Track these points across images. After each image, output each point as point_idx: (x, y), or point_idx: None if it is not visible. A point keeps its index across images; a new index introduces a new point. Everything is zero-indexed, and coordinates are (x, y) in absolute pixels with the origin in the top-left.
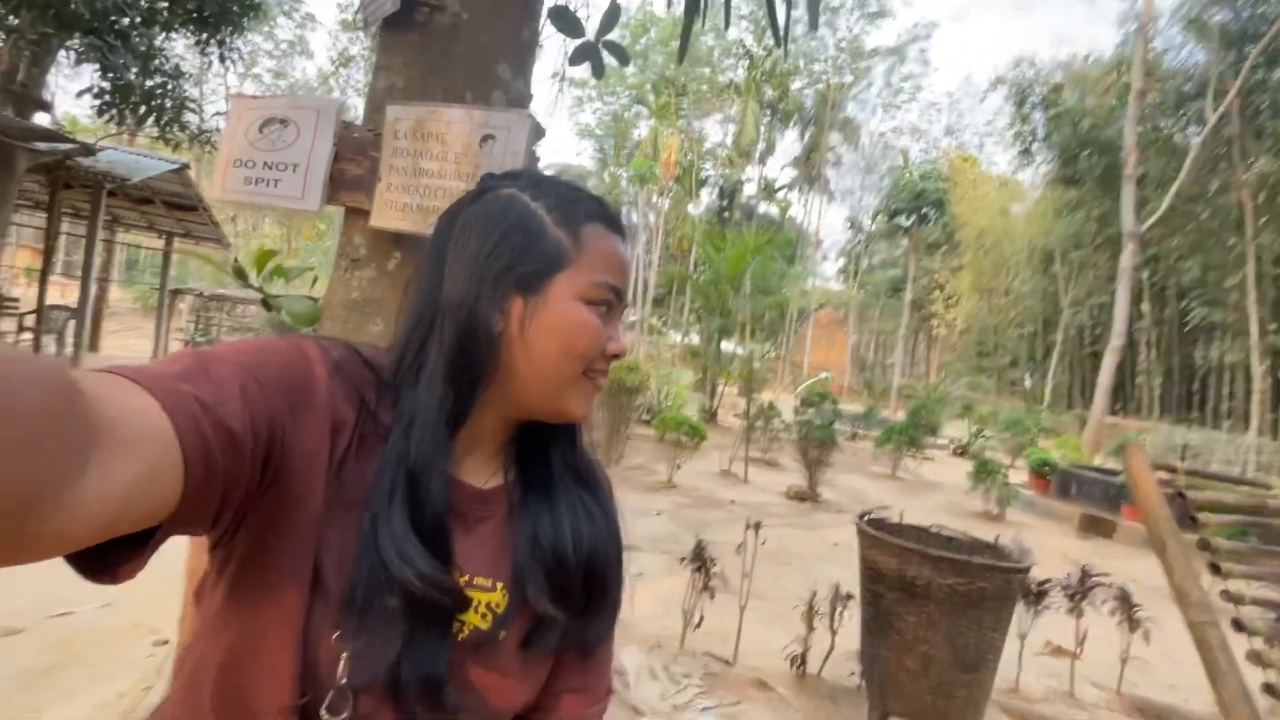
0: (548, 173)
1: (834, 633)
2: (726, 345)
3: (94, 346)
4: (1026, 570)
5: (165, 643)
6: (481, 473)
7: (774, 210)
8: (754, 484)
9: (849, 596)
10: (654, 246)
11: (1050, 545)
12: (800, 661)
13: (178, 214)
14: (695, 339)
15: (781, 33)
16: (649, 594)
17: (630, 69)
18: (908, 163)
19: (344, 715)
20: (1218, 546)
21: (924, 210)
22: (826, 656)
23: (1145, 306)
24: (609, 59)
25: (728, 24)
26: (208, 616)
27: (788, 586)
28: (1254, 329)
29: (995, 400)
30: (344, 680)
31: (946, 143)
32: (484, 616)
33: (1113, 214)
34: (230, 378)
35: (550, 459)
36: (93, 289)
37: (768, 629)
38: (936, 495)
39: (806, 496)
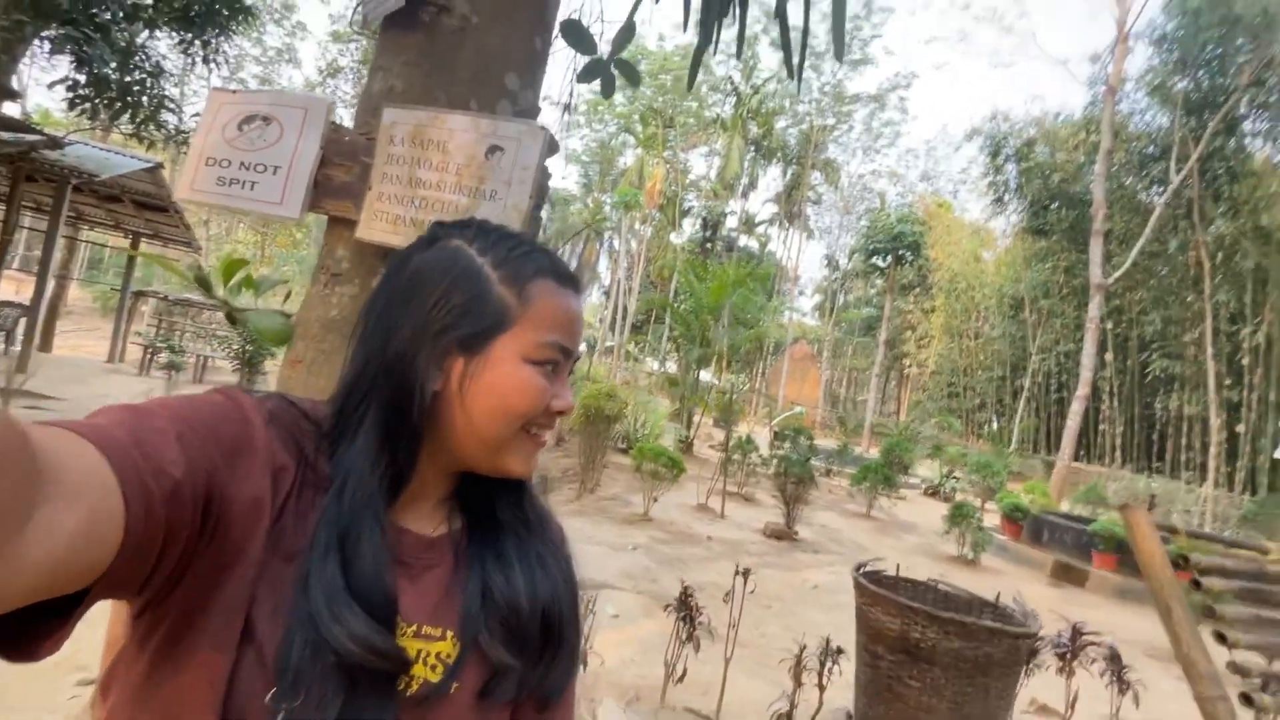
0: (497, 224)
1: (822, 689)
2: (704, 375)
3: (45, 346)
4: (1035, 636)
5: (91, 682)
6: (427, 521)
7: (754, 244)
8: (731, 519)
9: (839, 651)
10: (635, 273)
11: (1025, 593)
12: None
13: (147, 214)
14: (673, 367)
15: (795, 64)
16: (626, 638)
17: (618, 98)
18: (885, 205)
19: None
20: (1223, 615)
21: (900, 252)
22: (814, 715)
23: (1109, 356)
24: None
25: (740, 53)
26: (123, 697)
27: (769, 632)
28: (1211, 382)
29: (964, 441)
30: None
31: (922, 188)
32: (434, 668)
33: (1080, 265)
34: (166, 427)
35: (497, 507)
36: (50, 286)
37: (750, 680)
38: (911, 536)
39: (784, 535)
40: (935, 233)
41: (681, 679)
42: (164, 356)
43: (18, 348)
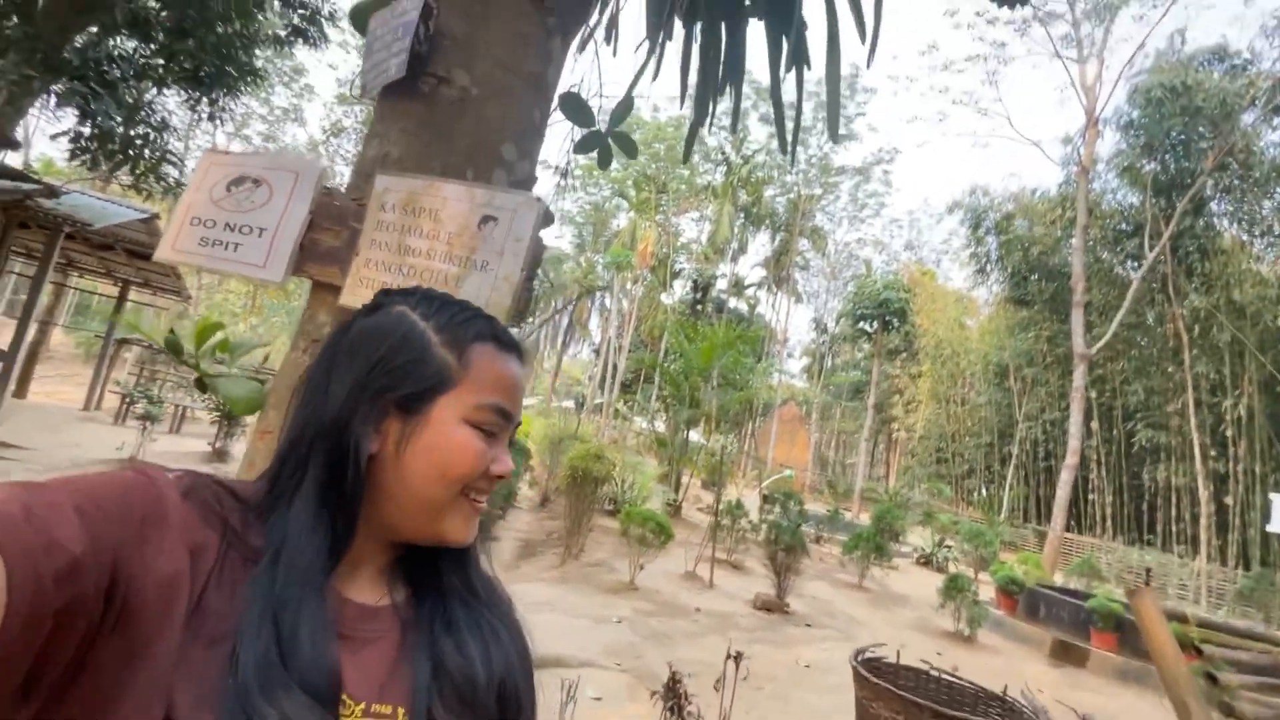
0: (441, 292)
1: None
2: (693, 435)
3: (20, 393)
4: None
5: None
6: (369, 590)
7: (743, 306)
8: (720, 589)
9: None
10: (625, 332)
11: (1025, 673)
12: None
13: (139, 263)
14: (661, 426)
15: (790, 140)
16: None
17: (614, 165)
18: (871, 272)
19: None
20: (1243, 714)
21: (887, 318)
22: None
23: (1095, 425)
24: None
25: (735, 125)
26: None
27: (763, 717)
28: (1196, 454)
29: (954, 508)
30: None
31: (907, 256)
32: None
33: (1062, 335)
34: (63, 501)
35: (442, 575)
36: (31, 331)
37: None
38: (906, 610)
39: (775, 607)
40: (920, 300)
41: None
42: (140, 406)
43: None
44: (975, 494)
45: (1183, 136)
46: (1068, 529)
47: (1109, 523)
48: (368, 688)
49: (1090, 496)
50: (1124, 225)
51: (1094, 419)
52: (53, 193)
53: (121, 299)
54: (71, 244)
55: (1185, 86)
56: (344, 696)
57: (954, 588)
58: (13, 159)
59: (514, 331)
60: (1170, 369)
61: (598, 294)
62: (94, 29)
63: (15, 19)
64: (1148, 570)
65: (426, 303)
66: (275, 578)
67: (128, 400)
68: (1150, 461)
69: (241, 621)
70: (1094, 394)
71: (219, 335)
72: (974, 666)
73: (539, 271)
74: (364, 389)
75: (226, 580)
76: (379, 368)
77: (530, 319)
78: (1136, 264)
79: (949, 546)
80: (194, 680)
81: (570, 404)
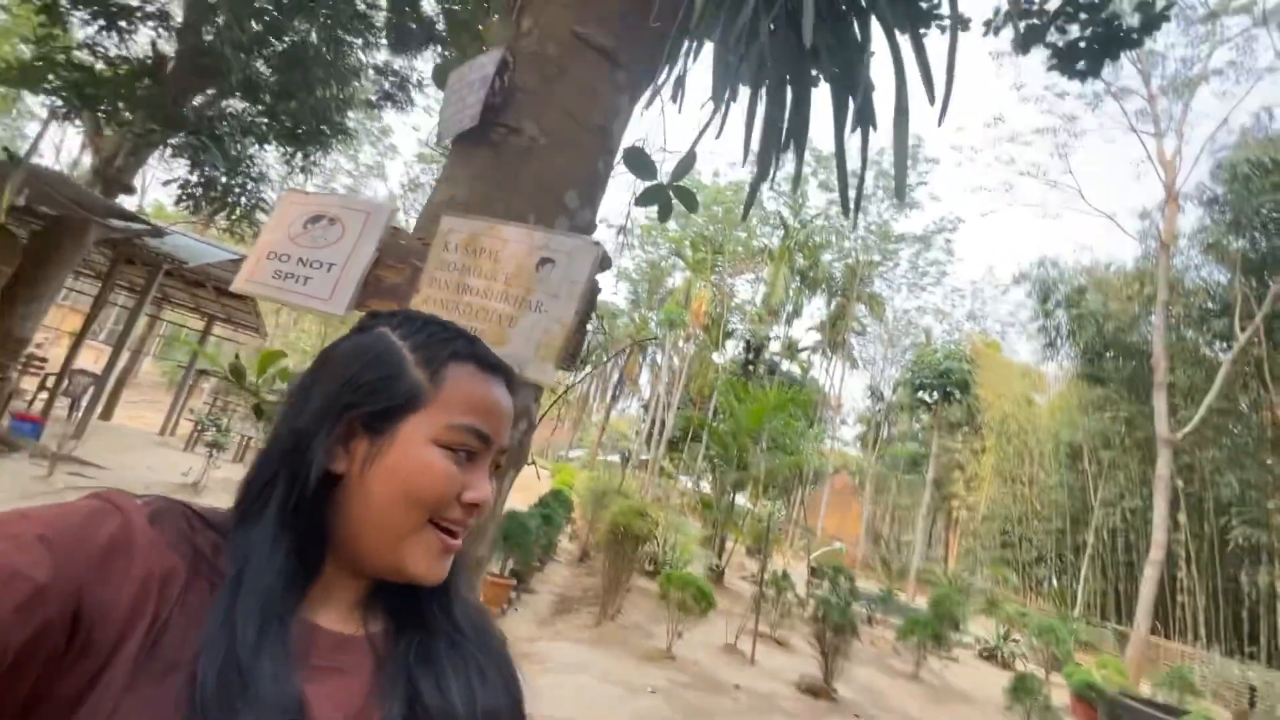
0: (427, 314)
1: None
2: (739, 499)
3: (106, 415)
4: None
5: None
6: (343, 621)
7: (796, 369)
8: (762, 666)
9: None
10: (675, 389)
11: None
12: None
13: (224, 300)
14: (707, 487)
15: (851, 204)
16: None
17: (671, 223)
18: (930, 340)
19: None
20: None
21: (948, 389)
22: None
23: (1182, 518)
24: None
25: (796, 186)
26: None
27: None
28: None
29: (1021, 598)
30: None
31: (969, 327)
32: None
33: (1141, 417)
34: (24, 531)
35: (423, 609)
36: (123, 359)
37: None
38: (966, 708)
39: (821, 692)
40: (984, 372)
41: None
42: (209, 435)
43: (80, 414)
44: (1045, 584)
45: (1275, 214)
46: (1153, 632)
47: (1201, 629)
48: (341, 715)
49: (1179, 598)
50: (1210, 304)
51: (1181, 511)
52: (158, 233)
53: (206, 333)
54: (168, 280)
55: (1275, 163)
56: None
57: (1023, 689)
58: (127, 202)
59: (559, 374)
60: (1269, 460)
61: (650, 350)
62: (211, 90)
63: (147, 80)
64: (1252, 689)
65: (408, 323)
66: (236, 598)
67: (199, 428)
68: (1249, 562)
69: (201, 649)
70: (1180, 483)
71: (280, 363)
72: None
73: (594, 317)
74: (331, 406)
75: (192, 607)
76: (348, 385)
77: (585, 365)
78: (1226, 345)
79: (1016, 640)
80: (144, 710)
81: (616, 458)
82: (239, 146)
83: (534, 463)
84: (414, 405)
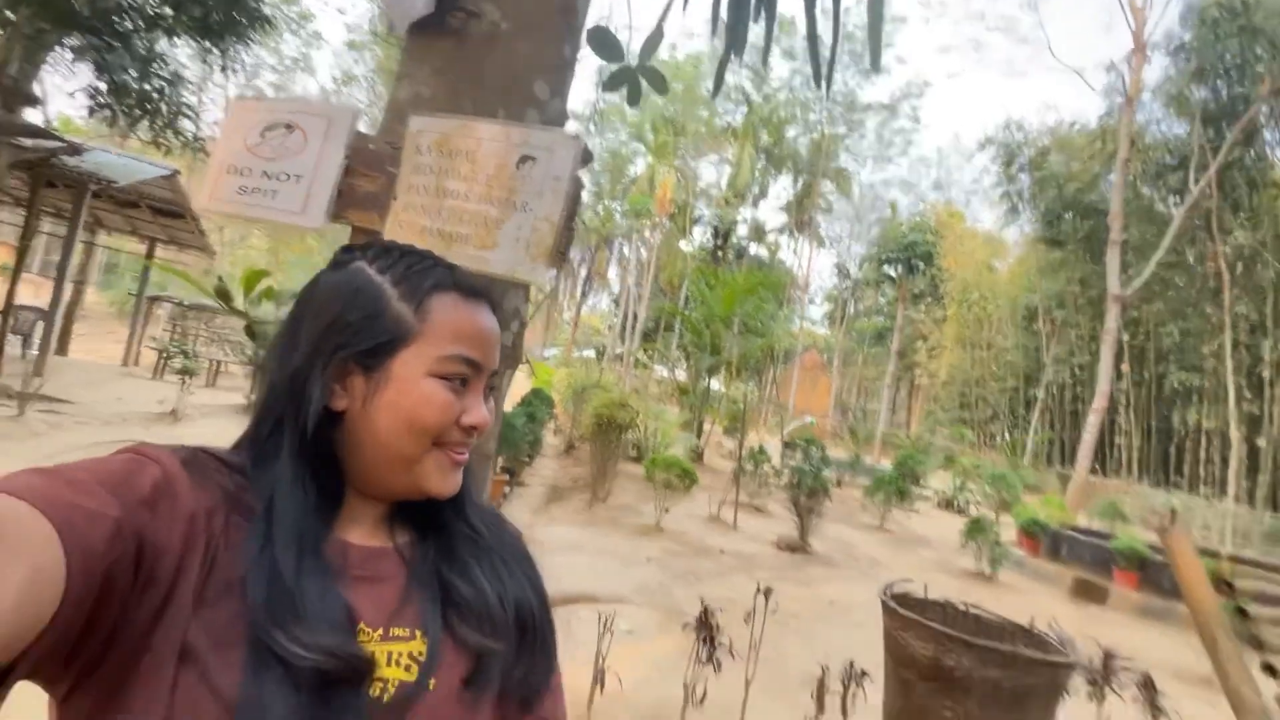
0: (403, 244)
1: (845, 715)
2: (714, 384)
3: (62, 350)
4: (1074, 665)
5: None
6: (372, 537)
7: (764, 252)
8: (743, 531)
9: (864, 675)
10: (645, 281)
11: (1044, 610)
12: None
13: (163, 220)
14: (683, 375)
15: (823, 75)
16: (641, 656)
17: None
18: (896, 214)
19: None
20: (1272, 644)
21: (912, 261)
22: None
23: (1125, 368)
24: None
25: (766, 59)
26: None
27: (788, 651)
28: (1231, 395)
29: (977, 453)
30: None
31: (934, 197)
32: (407, 668)
33: (1095, 276)
34: (87, 479)
35: (442, 517)
36: (67, 291)
37: (771, 702)
38: (927, 551)
39: (797, 548)
40: (948, 242)
41: (702, 701)
42: (178, 361)
43: (35, 351)
44: (999, 438)
45: (1238, 60)
46: (1093, 472)
47: (1135, 466)
48: (381, 617)
49: (1117, 440)
50: (1168, 158)
51: (1124, 362)
52: (76, 150)
53: (149, 256)
54: (97, 202)
55: (1245, 5)
56: (360, 625)
57: (976, 530)
58: (32, 117)
59: (548, 273)
60: (1208, 310)
61: (616, 242)
62: None
63: None
64: (1173, 510)
65: (385, 256)
66: (270, 525)
67: (165, 356)
68: (1181, 404)
69: (246, 573)
70: (1126, 336)
71: (265, 282)
72: (996, 604)
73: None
74: (322, 348)
75: (234, 539)
76: (334, 326)
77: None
78: (1179, 199)
79: (970, 490)
80: (212, 631)
81: (591, 353)
82: (146, 44)
83: (528, 360)
84: (403, 340)
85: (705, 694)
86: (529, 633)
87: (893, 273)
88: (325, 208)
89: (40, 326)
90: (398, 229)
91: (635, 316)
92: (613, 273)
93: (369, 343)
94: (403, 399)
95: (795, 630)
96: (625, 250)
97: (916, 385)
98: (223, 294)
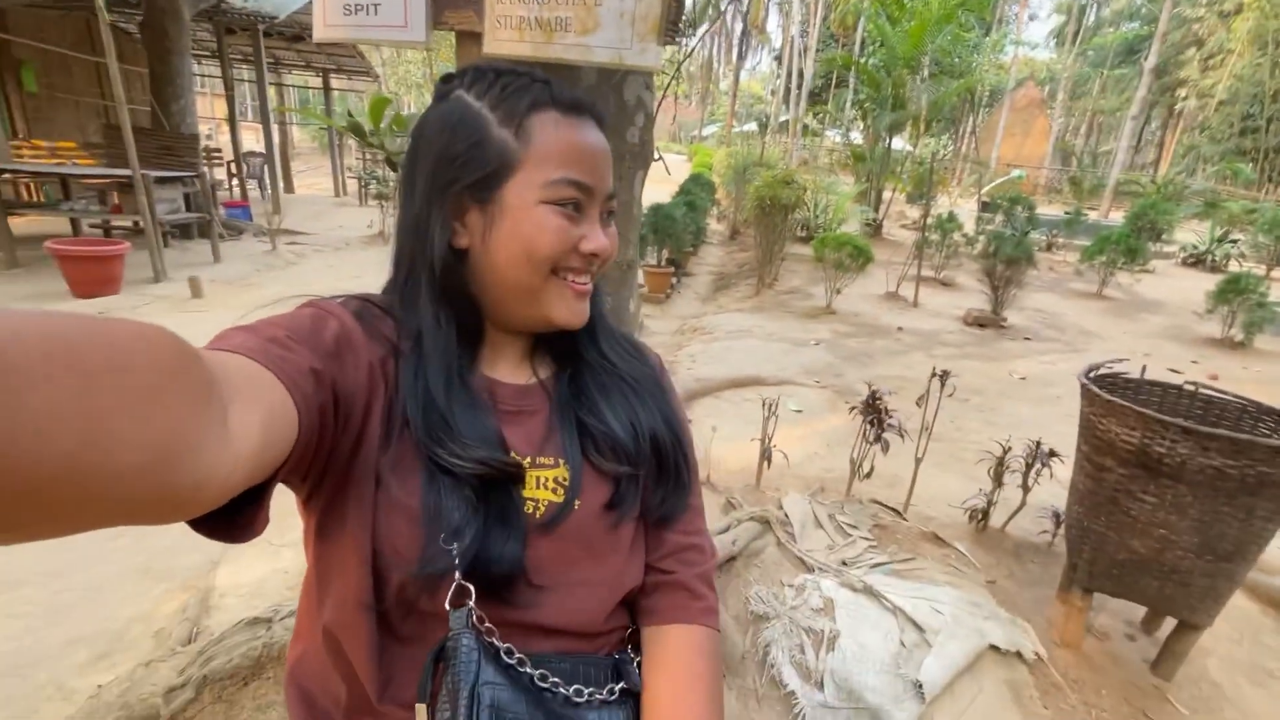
0: (505, 64)
1: (1026, 490)
2: (897, 143)
3: (289, 188)
4: None
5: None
6: (516, 372)
7: None
8: (925, 308)
9: (1052, 454)
10: (811, 28)
11: None
12: (982, 516)
13: (327, 50)
14: (858, 138)
15: None
16: (810, 433)
17: None
18: None
19: (434, 604)
20: None
21: None
22: (1014, 513)
23: None
24: None
25: None
26: (310, 568)
27: (966, 426)
28: None
29: (1254, 192)
30: (431, 567)
31: None
32: (555, 491)
33: None
34: (282, 335)
35: (579, 349)
36: (274, 133)
37: (942, 474)
38: (1156, 317)
39: (988, 322)
40: None
41: (869, 475)
42: (373, 188)
43: (269, 191)
44: None
45: None
46: None
47: None
48: (529, 446)
49: None
50: None
51: None
52: None
53: (326, 88)
54: (270, 41)
55: None
56: (511, 454)
57: (1232, 289)
58: None
59: (663, 52)
60: None
61: None
62: None
63: None
64: None
65: (481, 80)
66: (420, 362)
67: (363, 183)
68: None
69: (405, 400)
70: None
71: (389, 110)
72: (1243, 373)
73: None
74: (435, 186)
75: (403, 383)
76: (442, 161)
77: (690, 31)
78: None
79: (1235, 241)
80: (398, 460)
81: (753, 126)
82: None
83: (660, 158)
84: (509, 167)
85: (872, 469)
86: (664, 459)
87: None
88: (425, 15)
89: (265, 168)
90: (496, 26)
91: (801, 75)
92: (773, 23)
93: (477, 174)
94: (517, 229)
95: (977, 406)
96: None
97: (1177, 113)
98: (356, 129)
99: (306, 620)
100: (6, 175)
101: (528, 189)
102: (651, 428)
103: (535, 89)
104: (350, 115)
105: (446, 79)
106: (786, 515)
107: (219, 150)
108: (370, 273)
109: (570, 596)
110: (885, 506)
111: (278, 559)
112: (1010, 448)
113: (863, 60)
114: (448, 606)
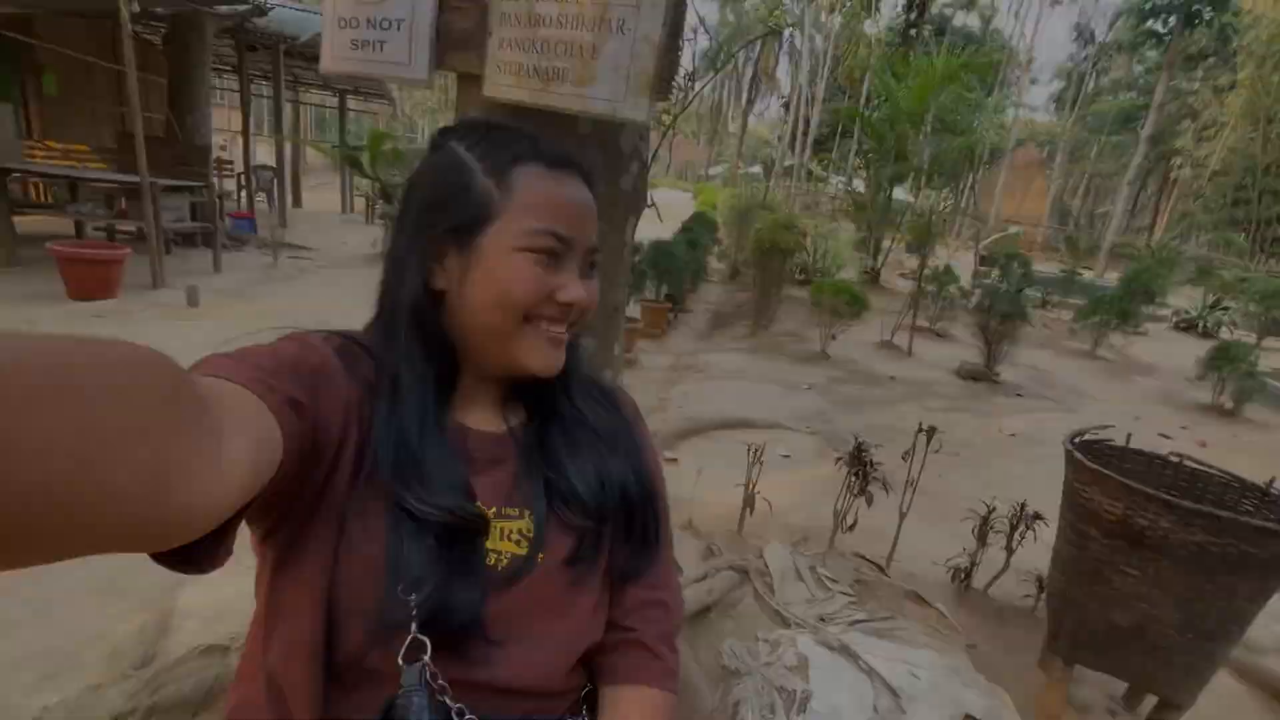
0: (498, 119)
1: (1010, 552)
2: (898, 193)
3: (296, 202)
4: None
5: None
6: (488, 420)
7: (974, 21)
8: (919, 358)
9: (1037, 517)
10: (819, 78)
11: None
12: (965, 576)
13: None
14: (861, 186)
15: None
16: (796, 481)
17: None
18: None
19: (388, 652)
20: None
21: (1194, 8)
22: (997, 575)
23: None
24: None
25: None
26: (260, 607)
27: (953, 481)
28: None
29: (1246, 261)
30: (393, 616)
31: None
32: (518, 543)
33: None
34: (268, 364)
35: (553, 397)
36: (288, 147)
37: (928, 531)
38: (1148, 380)
39: (981, 376)
40: None
41: (852, 528)
42: (379, 207)
43: (276, 205)
44: None
45: None
46: None
47: None
48: (496, 497)
49: None
50: None
51: None
52: (261, 11)
53: (342, 109)
54: (290, 61)
55: None
56: (477, 504)
57: (1224, 357)
58: None
59: (656, 107)
60: None
61: (787, 34)
62: None
63: None
64: None
65: (472, 132)
66: (394, 405)
67: (370, 202)
68: None
69: (376, 440)
70: None
71: (387, 145)
72: (1232, 443)
73: (687, 29)
74: (418, 228)
75: (376, 426)
76: (429, 206)
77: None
78: None
79: (1226, 309)
80: (365, 503)
81: (758, 169)
82: None
83: (653, 204)
84: (489, 215)
85: (856, 521)
86: (632, 515)
87: (1160, 28)
88: (429, 55)
89: (275, 182)
90: (497, 71)
91: (807, 122)
92: (783, 70)
93: (456, 219)
94: (492, 274)
95: (965, 461)
96: (797, 41)
97: (1171, 180)
98: (352, 161)
99: (249, 664)
100: (16, 174)
101: (506, 236)
102: (622, 483)
103: (522, 143)
104: (349, 145)
105: (443, 131)
106: (766, 565)
107: (230, 162)
108: (368, 292)
109: (529, 652)
110: (868, 560)
111: (247, 580)
112: (995, 508)
113: (867, 113)
114: (400, 661)
